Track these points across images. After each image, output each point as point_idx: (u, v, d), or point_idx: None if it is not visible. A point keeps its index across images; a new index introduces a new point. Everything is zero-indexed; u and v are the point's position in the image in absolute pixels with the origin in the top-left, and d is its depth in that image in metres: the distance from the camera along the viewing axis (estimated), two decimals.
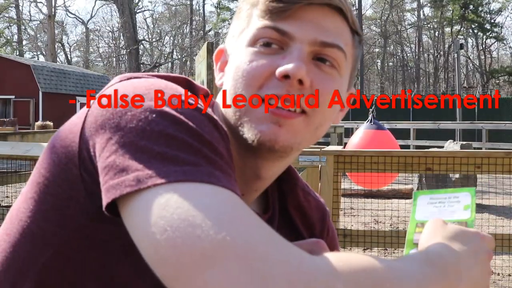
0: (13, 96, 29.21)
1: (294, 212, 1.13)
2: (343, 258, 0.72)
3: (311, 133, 0.96)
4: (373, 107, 9.53)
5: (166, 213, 0.68)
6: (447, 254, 0.83)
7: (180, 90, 0.84)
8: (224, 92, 0.99)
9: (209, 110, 0.84)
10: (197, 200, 0.69)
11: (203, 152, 0.76)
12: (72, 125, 0.87)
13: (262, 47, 0.93)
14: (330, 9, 0.95)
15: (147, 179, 0.72)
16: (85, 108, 0.88)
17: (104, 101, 0.83)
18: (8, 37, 57.36)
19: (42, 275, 0.85)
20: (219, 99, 1.02)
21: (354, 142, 9.10)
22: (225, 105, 0.97)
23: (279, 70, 0.90)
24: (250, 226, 0.69)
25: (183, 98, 0.82)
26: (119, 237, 0.81)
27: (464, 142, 11.54)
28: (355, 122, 17.87)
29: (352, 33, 0.99)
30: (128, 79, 0.89)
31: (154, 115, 0.77)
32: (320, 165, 4.10)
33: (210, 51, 3.61)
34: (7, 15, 55.03)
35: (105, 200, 0.75)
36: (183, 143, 0.75)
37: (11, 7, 53.85)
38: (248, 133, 0.92)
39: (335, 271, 0.69)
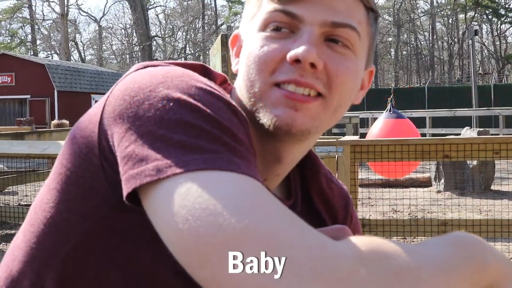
0: (28, 96, 29.47)
1: (317, 199, 1.13)
2: (366, 243, 0.72)
3: (330, 115, 0.95)
4: (391, 96, 9.46)
5: (187, 203, 0.68)
6: (469, 236, 0.82)
7: (198, 77, 0.84)
8: (239, 77, 0.99)
9: (227, 96, 0.83)
10: (217, 188, 0.69)
11: (222, 139, 0.75)
12: (91, 116, 0.87)
13: (272, 32, 0.92)
14: None
15: (167, 168, 0.71)
16: (103, 98, 0.88)
17: (122, 90, 0.83)
18: (22, 37, 57.85)
19: (66, 265, 0.86)
20: (236, 85, 1.01)
21: (374, 132, 9.03)
22: (241, 92, 0.97)
23: (290, 55, 0.89)
24: (272, 212, 0.69)
25: (200, 85, 0.81)
26: (141, 225, 0.81)
27: (481, 129, 11.44)
28: (370, 112, 17.79)
29: (366, 10, 0.98)
30: (144, 67, 0.89)
31: (171, 104, 0.77)
32: (336, 156, 4.09)
33: (224, 43, 3.61)
34: (20, 15, 55.46)
35: (126, 190, 0.75)
36: (201, 130, 0.75)
37: (24, 7, 54.24)
38: (264, 118, 0.91)
39: (358, 255, 0.68)
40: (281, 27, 0.92)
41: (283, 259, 0.64)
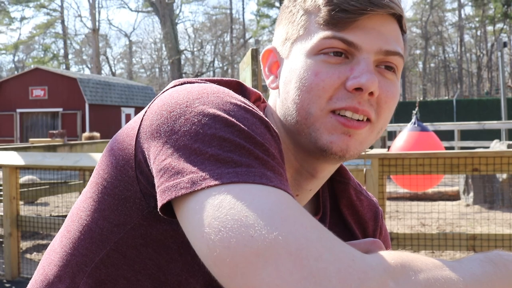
0: (61, 109, 29.91)
1: (346, 212, 1.14)
2: (396, 257, 0.72)
3: (374, 137, 0.99)
4: (416, 109, 9.39)
5: (219, 214, 0.70)
6: (507, 254, 0.81)
7: (232, 94, 0.86)
8: (282, 98, 1.00)
9: (261, 113, 0.85)
10: (249, 201, 0.70)
11: (255, 153, 0.77)
12: (129, 129, 0.90)
13: (328, 57, 0.94)
14: (390, 16, 0.96)
15: (201, 181, 0.73)
16: (141, 113, 0.91)
17: (159, 105, 0.85)
18: (55, 52, 58.79)
19: (99, 271, 0.89)
20: (271, 101, 1.03)
21: (398, 145, 8.98)
22: (286, 112, 0.98)
23: (352, 83, 0.91)
24: (302, 225, 0.70)
25: (235, 101, 0.83)
26: (173, 236, 0.83)
27: (511, 142, 11.27)
28: (398, 125, 17.64)
29: (402, 35, 1.01)
30: (181, 84, 0.92)
31: (207, 119, 0.79)
32: (365, 169, 4.07)
33: (254, 58, 3.62)
34: (53, 30, 56.43)
35: (161, 201, 0.77)
36: (235, 145, 0.77)
37: (57, 22, 55.19)
38: (318, 142, 0.94)
39: (387, 269, 0.69)
40: (339, 52, 0.94)
41: (312, 271, 0.65)
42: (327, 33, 0.94)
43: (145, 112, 0.88)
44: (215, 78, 0.97)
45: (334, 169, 1.05)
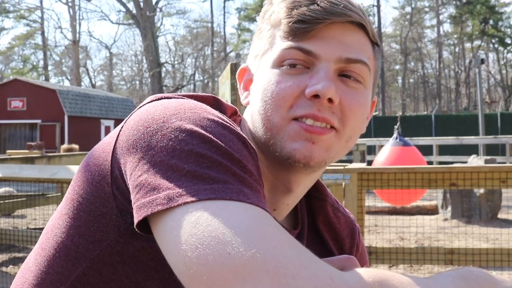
0: (39, 120, 29.65)
1: (323, 228, 1.14)
2: (373, 275, 0.72)
3: (343, 146, 0.98)
4: (398, 124, 9.46)
5: (196, 231, 0.69)
6: (478, 271, 0.82)
7: (210, 110, 0.86)
8: (251, 111, 1.01)
9: (238, 129, 0.85)
10: (227, 218, 0.70)
11: (232, 170, 0.77)
12: (105, 144, 0.89)
13: (288, 68, 0.95)
14: (351, 25, 0.96)
15: (178, 197, 0.73)
16: (117, 128, 0.90)
17: (136, 121, 0.85)
18: (34, 63, 58.37)
19: None
20: (246, 116, 1.03)
21: (381, 160, 9.00)
22: (254, 125, 0.99)
23: (309, 90, 0.92)
24: (280, 242, 0.69)
25: (212, 117, 0.83)
26: (150, 253, 0.82)
27: (488, 157, 11.40)
28: (377, 139, 17.76)
29: (372, 46, 1.01)
30: (158, 99, 0.91)
31: (183, 135, 0.79)
32: (344, 183, 4.08)
33: (233, 72, 3.63)
34: (33, 41, 56.04)
35: (137, 217, 0.76)
36: (212, 161, 0.77)
37: (37, 33, 54.84)
38: (282, 151, 0.94)
39: (365, 287, 0.69)
40: (297, 63, 0.95)
41: None
42: (286, 44, 0.95)
43: (122, 127, 0.88)
44: (191, 93, 0.97)
45: (311, 183, 1.05)
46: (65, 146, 18.73)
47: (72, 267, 0.87)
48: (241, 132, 0.84)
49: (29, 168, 5.60)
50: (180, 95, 0.94)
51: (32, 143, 21.74)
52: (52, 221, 0.94)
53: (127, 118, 0.89)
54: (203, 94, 0.98)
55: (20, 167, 5.65)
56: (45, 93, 29.59)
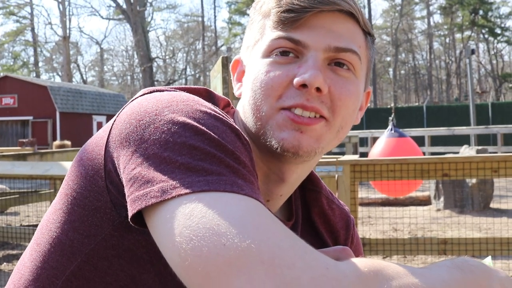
0: (31, 117, 29.53)
1: (318, 220, 1.14)
2: (369, 264, 0.72)
3: (333, 136, 0.97)
4: (392, 115, 9.46)
5: (191, 223, 0.69)
6: (475, 261, 0.82)
7: (202, 102, 0.86)
8: (243, 102, 1.01)
9: (231, 120, 0.85)
10: (221, 209, 0.70)
11: (225, 162, 0.77)
12: (98, 139, 0.89)
13: (277, 57, 0.95)
14: (341, 13, 0.96)
15: (172, 189, 0.73)
16: (110, 122, 0.90)
17: (128, 114, 0.85)
18: (25, 59, 58.07)
19: (71, 284, 0.87)
20: (238, 108, 1.03)
21: (376, 152, 9.00)
22: (245, 115, 0.99)
23: (297, 80, 0.92)
24: (275, 233, 0.70)
25: (205, 109, 0.83)
26: (145, 246, 0.82)
27: (479, 147, 11.44)
28: (369, 131, 17.80)
29: (364, 35, 1.01)
30: (150, 92, 0.91)
31: (176, 127, 0.79)
32: (336, 175, 4.09)
33: (225, 65, 3.62)
34: (23, 38, 55.76)
35: (131, 211, 0.76)
36: (205, 153, 0.77)
37: (27, 30, 54.54)
38: (272, 141, 0.94)
39: (360, 277, 0.69)
40: (286, 52, 0.95)
41: (285, 279, 0.65)
42: (276, 33, 0.95)
43: (114, 121, 0.88)
44: (184, 86, 0.97)
45: (304, 173, 1.05)
46: (57, 142, 18.67)
47: (67, 261, 0.87)
48: (234, 124, 0.84)
49: (22, 165, 5.58)
50: (172, 88, 0.94)
51: (24, 140, 21.65)
52: (47, 217, 0.94)
53: (119, 111, 0.89)
54: (196, 86, 0.98)
55: (12, 164, 5.62)
56: (36, 89, 29.46)
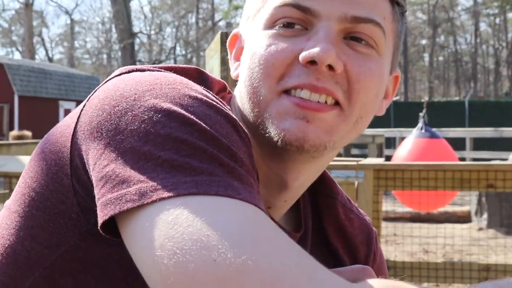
0: None
1: (332, 233, 1.13)
2: (387, 285, 0.72)
3: (350, 128, 0.96)
4: (424, 111, 9.45)
5: (175, 233, 0.69)
6: None
7: (192, 85, 0.85)
8: (240, 84, 1.00)
9: (227, 108, 0.84)
10: (211, 217, 0.70)
11: (219, 159, 0.76)
12: (63, 127, 0.89)
13: (281, 29, 0.94)
14: None
15: (152, 192, 0.72)
16: (79, 107, 0.89)
17: (101, 98, 0.84)
18: None
19: None
20: (236, 93, 1.03)
21: (402, 155, 8.99)
22: (242, 101, 0.99)
23: (303, 55, 0.91)
24: (277, 247, 0.69)
25: (194, 94, 0.82)
26: (118, 260, 0.82)
27: None
28: (398, 130, 17.79)
29: (391, 4, 0.99)
30: (129, 72, 0.91)
31: (159, 115, 0.78)
32: (356, 182, 4.09)
33: (224, 43, 3.61)
34: None
35: (102, 217, 0.75)
36: (194, 148, 0.76)
37: None
38: (271, 132, 0.93)
39: None
40: (293, 23, 0.94)
41: None
42: (280, 0, 0.94)
43: (84, 106, 0.87)
44: (170, 65, 0.96)
45: (314, 174, 1.04)
46: (14, 132, 18.69)
47: (21, 276, 0.87)
48: (230, 113, 0.84)
49: None
50: (156, 67, 0.93)
51: None
52: None
53: (90, 95, 0.89)
54: (184, 66, 0.98)
55: None
56: None
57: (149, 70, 0.91)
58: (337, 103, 0.93)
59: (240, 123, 0.84)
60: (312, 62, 0.90)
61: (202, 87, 0.87)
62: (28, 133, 18.44)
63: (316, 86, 0.91)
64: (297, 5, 0.93)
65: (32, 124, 27.71)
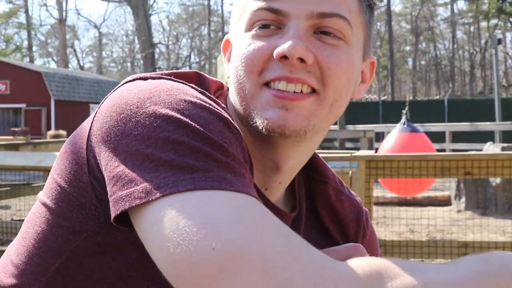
0: (24, 105, 29.62)
1: (324, 214, 1.12)
2: (373, 264, 0.71)
3: (327, 111, 0.95)
4: (406, 108, 9.42)
5: (177, 226, 0.69)
6: (503, 254, 0.80)
7: (188, 90, 0.85)
8: (230, 82, 1.00)
9: (219, 108, 0.84)
10: (208, 210, 0.70)
11: (212, 156, 0.76)
12: (82, 130, 0.90)
13: (259, 30, 0.94)
14: None
15: (156, 190, 0.73)
16: (93, 113, 0.90)
17: (109, 106, 0.84)
18: (18, 43, 58.25)
19: (56, 281, 0.88)
20: (230, 90, 1.03)
21: (387, 147, 9.01)
22: (233, 96, 0.99)
23: (276, 51, 0.90)
24: (267, 231, 0.70)
25: (189, 98, 0.82)
26: (133, 243, 0.82)
27: (505, 144, 11.38)
28: (386, 126, 17.76)
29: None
30: (133, 80, 0.91)
31: (159, 120, 0.78)
32: (350, 171, 4.08)
33: None
34: (16, 20, 55.90)
35: (114, 212, 0.76)
36: (190, 148, 0.76)
37: (21, 11, 54.67)
38: (257, 121, 0.93)
39: (360, 278, 0.69)
40: (268, 24, 0.93)
41: (279, 282, 0.65)
42: (256, 4, 0.94)
43: (96, 113, 0.88)
44: (172, 71, 0.96)
45: (302, 157, 1.03)
46: (51, 132, 18.76)
47: (52, 258, 0.88)
48: (223, 112, 0.83)
49: (14, 155, 5.60)
50: (158, 75, 0.93)
51: (16, 129, 21.77)
52: (33, 210, 0.94)
53: (101, 102, 0.89)
54: (185, 70, 0.98)
55: (4, 154, 5.65)
56: (30, 75, 29.55)
57: (151, 77, 0.91)
58: (313, 91, 0.93)
59: (232, 120, 0.84)
60: (284, 57, 0.90)
61: (199, 89, 0.87)
62: (63, 132, 18.50)
63: (290, 77, 0.91)
64: (269, 8, 0.93)
65: (66, 124, 27.77)
